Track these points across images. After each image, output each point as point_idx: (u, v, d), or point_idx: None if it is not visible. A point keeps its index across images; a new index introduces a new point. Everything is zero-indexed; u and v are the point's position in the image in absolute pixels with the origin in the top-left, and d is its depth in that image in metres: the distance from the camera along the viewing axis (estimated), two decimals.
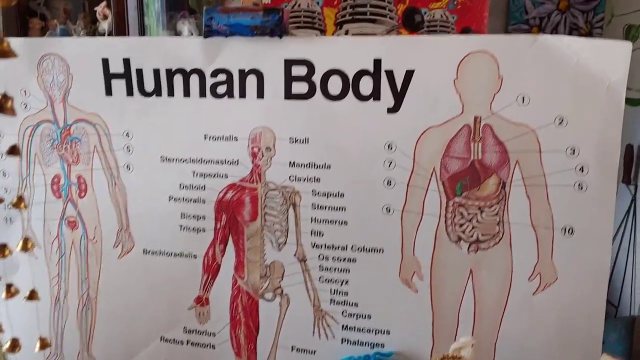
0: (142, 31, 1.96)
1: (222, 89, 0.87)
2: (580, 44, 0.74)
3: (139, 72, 0.89)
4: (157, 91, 0.89)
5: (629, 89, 2.14)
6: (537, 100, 0.76)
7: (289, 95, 0.85)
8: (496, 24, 2.40)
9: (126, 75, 0.89)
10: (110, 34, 2.03)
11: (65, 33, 2.09)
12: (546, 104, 0.76)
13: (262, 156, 0.87)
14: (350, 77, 0.82)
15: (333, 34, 1.86)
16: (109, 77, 0.90)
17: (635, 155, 2.40)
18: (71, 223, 0.99)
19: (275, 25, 0.81)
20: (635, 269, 2.48)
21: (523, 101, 0.77)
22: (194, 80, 0.87)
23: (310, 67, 0.83)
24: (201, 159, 0.90)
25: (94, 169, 0.95)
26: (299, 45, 0.84)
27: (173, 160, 0.91)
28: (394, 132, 0.82)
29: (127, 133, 0.93)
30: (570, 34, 2.42)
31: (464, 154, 0.81)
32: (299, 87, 0.84)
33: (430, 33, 1.89)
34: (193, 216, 0.92)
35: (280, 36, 0.83)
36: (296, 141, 0.86)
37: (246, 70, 0.85)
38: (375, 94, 0.82)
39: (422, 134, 0.81)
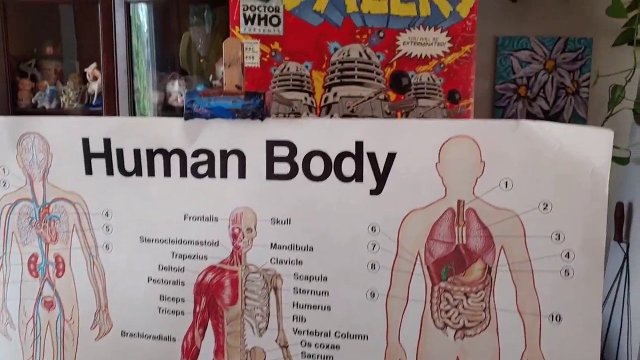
0: (132, 92, 1.97)
1: (203, 169, 0.86)
2: (561, 131, 0.74)
3: (120, 152, 0.88)
4: (138, 171, 0.88)
5: (616, 148, 2.15)
6: (521, 185, 0.76)
7: (270, 175, 0.84)
8: (484, 84, 2.44)
9: (106, 154, 0.89)
10: (99, 95, 2.05)
11: (55, 94, 2.10)
12: (530, 189, 0.76)
13: (243, 237, 0.85)
14: (333, 159, 0.82)
15: (322, 97, 1.88)
16: (89, 156, 0.89)
17: (626, 213, 2.39)
18: (48, 303, 0.96)
19: (256, 109, 0.80)
20: (631, 327, 2.43)
21: (506, 186, 0.76)
22: (175, 160, 0.86)
23: (292, 148, 0.83)
24: (181, 240, 0.89)
25: (72, 248, 0.93)
26: (281, 127, 0.83)
27: (152, 240, 0.90)
28: (377, 214, 0.81)
29: (107, 212, 0.91)
30: (557, 92, 2.46)
31: (449, 238, 0.79)
32: (281, 168, 0.84)
33: (418, 96, 1.91)
34: (172, 298, 0.90)
35: (262, 119, 0.82)
36: (278, 222, 0.84)
37: (228, 151, 0.85)
38: (358, 176, 0.81)
39: (405, 216, 0.80)
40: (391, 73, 1.89)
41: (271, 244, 0.85)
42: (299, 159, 0.82)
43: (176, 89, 2.06)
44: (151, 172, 0.87)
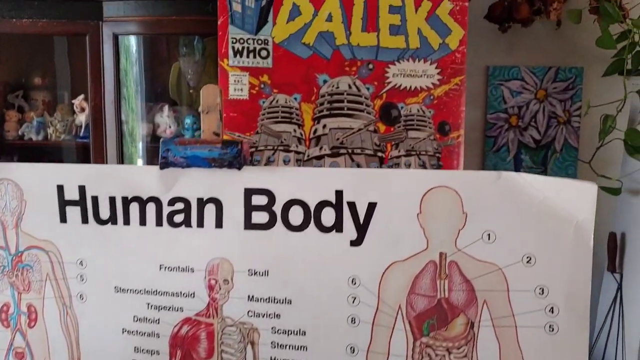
0: (120, 124, 1.96)
1: (179, 218, 0.84)
2: (544, 183, 0.72)
3: (95, 200, 0.86)
4: (113, 219, 0.86)
5: (608, 179, 2.14)
6: (504, 237, 0.74)
7: (248, 225, 0.82)
8: (475, 114, 2.43)
9: (81, 202, 0.87)
10: (87, 127, 2.03)
11: (42, 125, 2.09)
12: (513, 242, 0.74)
13: (220, 289, 0.83)
14: (312, 208, 0.80)
15: (311, 129, 1.87)
16: (63, 203, 0.88)
17: (619, 243, 2.37)
18: (19, 354, 0.93)
19: (233, 158, 0.79)
20: (625, 358, 2.39)
21: (489, 238, 0.75)
22: (151, 208, 0.85)
23: (271, 197, 0.81)
24: (156, 291, 0.86)
25: (45, 297, 0.91)
26: (259, 175, 0.82)
27: (127, 290, 0.87)
28: (358, 266, 0.79)
29: (81, 261, 0.89)
30: (548, 122, 2.45)
31: (430, 291, 0.77)
32: (259, 217, 0.82)
33: (407, 127, 1.90)
34: (147, 351, 0.87)
35: (239, 168, 0.80)
36: (255, 274, 0.82)
37: (205, 199, 0.83)
38: (338, 226, 0.79)
39: (386, 269, 0.78)
40: (381, 105, 1.88)
41: (248, 296, 0.83)
42: (277, 208, 0.80)
43: (165, 120, 2.04)
44: (126, 221, 0.85)
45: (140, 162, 2.13)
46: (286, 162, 1.83)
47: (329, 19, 1.79)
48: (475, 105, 2.41)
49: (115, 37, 1.89)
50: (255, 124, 1.79)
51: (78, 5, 1.86)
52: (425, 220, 0.76)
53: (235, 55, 1.78)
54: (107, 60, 1.90)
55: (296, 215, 0.80)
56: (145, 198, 0.84)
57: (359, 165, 1.84)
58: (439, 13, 1.84)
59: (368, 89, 1.85)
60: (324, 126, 1.84)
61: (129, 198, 0.84)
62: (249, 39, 1.77)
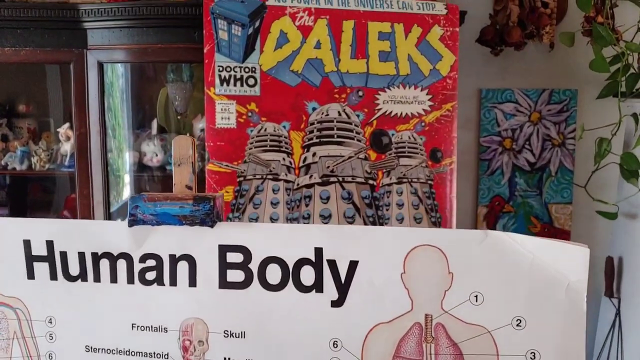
0: (105, 153, 1.92)
1: (151, 275, 0.79)
2: (534, 243, 0.68)
3: (63, 255, 0.82)
4: (83, 276, 0.82)
5: (604, 203, 2.10)
6: (492, 299, 0.70)
7: (223, 284, 0.77)
8: (468, 137, 2.40)
9: (49, 258, 0.82)
10: (72, 156, 1.99)
11: (26, 154, 2.04)
12: (502, 304, 0.70)
13: (194, 350, 0.79)
14: (290, 266, 0.76)
15: (300, 157, 1.83)
16: (30, 259, 0.83)
17: (616, 268, 2.33)
18: None
19: (205, 215, 0.74)
20: None
21: (477, 300, 0.70)
22: (121, 265, 0.80)
23: (247, 254, 0.77)
24: (129, 350, 0.82)
25: (13, 357, 0.86)
26: (234, 231, 0.77)
27: (99, 350, 0.83)
28: (339, 328, 0.74)
29: (51, 319, 0.84)
30: (543, 144, 2.42)
31: (416, 355, 0.73)
32: (235, 275, 0.77)
33: (399, 154, 1.86)
34: None
35: (212, 225, 0.76)
36: (231, 335, 0.77)
37: (177, 256, 0.78)
38: (318, 285, 0.75)
39: (369, 331, 0.74)
40: (371, 132, 1.85)
41: (224, 359, 0.78)
42: (254, 266, 0.76)
43: (151, 148, 2.00)
44: (97, 278, 0.81)
45: (127, 191, 2.09)
46: (275, 191, 1.79)
47: (318, 46, 1.76)
48: (468, 129, 2.38)
49: (100, 65, 1.86)
50: (243, 153, 1.75)
51: (62, 33, 1.83)
52: (409, 281, 0.72)
53: (222, 84, 1.75)
54: (91, 88, 1.87)
55: (274, 273, 0.76)
56: (115, 254, 0.80)
57: (349, 193, 1.80)
58: (429, 39, 1.81)
59: (358, 116, 1.82)
60: (314, 154, 1.81)
61: (99, 254, 0.80)
62: (235, 67, 1.74)
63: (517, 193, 2.42)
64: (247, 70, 1.76)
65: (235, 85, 1.75)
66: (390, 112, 1.84)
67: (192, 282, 0.78)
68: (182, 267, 0.78)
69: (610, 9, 2.03)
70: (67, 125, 1.97)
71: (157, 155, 1.98)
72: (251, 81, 1.76)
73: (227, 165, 1.76)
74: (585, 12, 2.01)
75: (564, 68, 2.35)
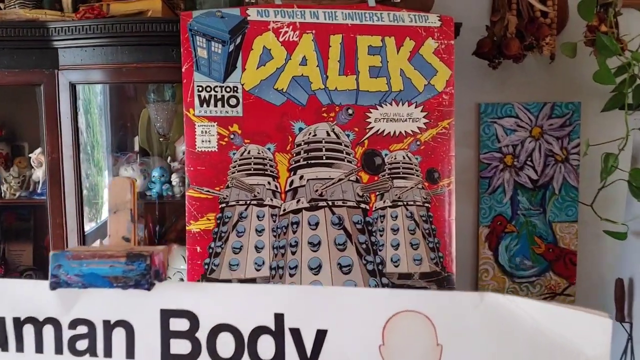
0: (79, 180, 1.80)
1: (82, 345, 0.67)
2: (541, 309, 0.56)
3: None
4: (3, 345, 0.69)
5: (613, 222, 1.96)
6: None
7: (166, 356, 0.65)
8: (467, 154, 2.27)
9: None
10: (44, 183, 1.87)
11: None
12: None
13: None
14: (246, 336, 0.63)
15: (287, 180, 1.71)
16: None
17: (627, 290, 2.19)
18: None
19: (141, 275, 0.62)
20: None
21: None
22: (48, 332, 0.68)
23: (194, 321, 0.64)
24: None
25: None
26: (178, 293, 0.65)
27: None
28: None
29: None
30: (545, 160, 2.30)
31: None
32: (180, 346, 0.65)
33: (393, 176, 1.74)
34: None
35: (149, 288, 0.63)
36: None
37: (112, 322, 0.66)
38: (278, 359, 0.62)
39: None
40: (363, 152, 1.74)
41: None
42: (202, 335, 0.63)
43: (129, 173, 1.88)
44: (20, 347, 0.68)
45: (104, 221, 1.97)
46: (260, 217, 1.67)
47: (304, 62, 1.65)
48: (468, 145, 2.26)
49: (73, 86, 1.75)
50: (225, 177, 1.64)
51: (32, 53, 1.72)
52: (389, 354, 0.59)
53: (201, 105, 1.64)
54: (63, 110, 1.75)
55: (226, 344, 0.63)
56: (41, 319, 0.67)
57: (340, 218, 1.68)
58: (423, 52, 1.70)
59: (348, 135, 1.70)
60: (301, 177, 1.70)
61: (22, 319, 0.68)
62: (216, 86, 1.63)
63: (519, 212, 2.30)
64: (228, 89, 1.65)
65: (216, 105, 1.64)
66: (383, 131, 1.73)
67: (130, 354, 0.65)
68: (118, 336, 0.65)
69: (614, 17, 1.92)
70: (39, 150, 1.85)
71: (136, 180, 1.86)
72: (233, 101, 1.64)
73: (208, 191, 1.64)
74: (587, 21, 1.90)
75: (566, 80, 2.23)
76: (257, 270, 1.68)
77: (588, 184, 2.25)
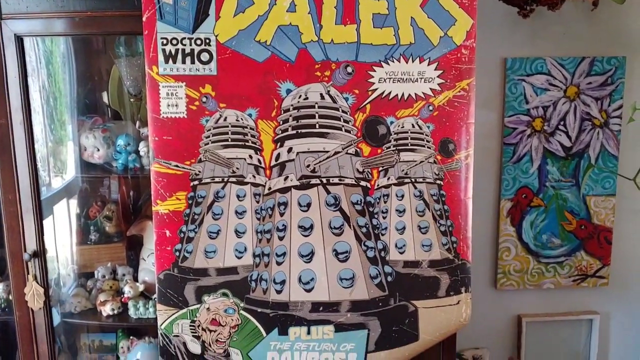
0: (32, 149, 1.55)
1: None
2: None
3: None
4: None
5: None
6: None
7: None
8: (490, 117, 1.97)
9: None
10: None
11: None
12: None
13: None
14: None
15: (272, 154, 1.44)
16: None
17: None
18: None
19: None
20: None
21: None
22: None
23: None
24: None
25: None
26: None
27: None
28: None
29: None
30: (581, 125, 1.99)
31: None
32: None
33: (399, 148, 1.46)
34: None
35: None
36: None
37: None
38: None
39: None
40: (364, 120, 1.45)
41: None
42: None
43: (91, 141, 1.62)
44: None
45: (70, 194, 1.74)
46: (240, 197, 1.42)
47: (292, 8, 1.37)
48: (490, 108, 1.98)
49: (19, 40, 1.48)
50: (197, 149, 1.39)
51: None
52: None
53: (166, 61, 1.37)
54: (10, 68, 1.49)
55: None
56: None
57: (336, 198, 1.42)
58: None
59: (347, 99, 1.43)
60: (290, 150, 1.44)
61: None
62: (184, 38, 1.36)
63: (548, 184, 2.05)
64: (199, 42, 1.38)
65: (184, 62, 1.38)
66: (389, 94, 1.45)
67: None
68: None
69: None
70: None
71: (98, 149, 1.60)
72: (205, 57, 1.38)
73: (177, 166, 1.39)
74: None
75: (610, 31, 1.97)
76: (238, 258, 1.44)
77: (630, 153, 1.97)
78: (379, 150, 1.46)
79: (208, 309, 1.44)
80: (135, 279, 1.73)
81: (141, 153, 1.61)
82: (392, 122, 1.45)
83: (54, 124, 1.69)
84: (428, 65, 1.44)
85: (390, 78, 1.44)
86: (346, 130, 1.45)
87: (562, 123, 2.01)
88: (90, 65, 1.82)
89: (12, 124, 1.52)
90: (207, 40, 1.37)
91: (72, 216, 1.79)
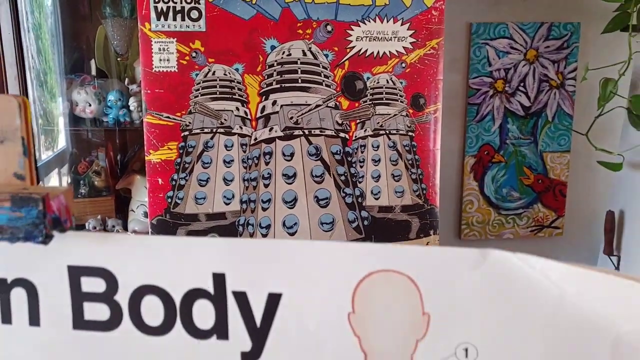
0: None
1: None
2: (564, 273, 0.42)
3: None
4: None
5: (608, 152, 1.84)
6: (492, 355, 0.44)
7: (79, 323, 0.50)
8: (455, 79, 2.11)
9: None
10: None
11: None
12: None
13: None
14: (177, 300, 0.48)
15: (258, 106, 1.54)
16: None
17: (617, 223, 2.10)
18: None
19: (33, 225, 0.46)
20: None
21: (467, 355, 0.44)
22: None
23: (111, 281, 0.49)
24: None
25: None
26: (89, 245, 0.49)
27: None
28: None
29: None
30: (539, 86, 2.14)
31: None
32: (96, 311, 0.50)
33: (375, 102, 1.58)
34: None
35: (45, 242, 0.47)
36: None
37: (9, 281, 0.51)
38: (220, 329, 0.48)
39: None
40: (343, 75, 1.57)
41: None
42: (122, 299, 0.49)
43: (83, 97, 1.69)
44: None
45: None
46: (228, 147, 1.51)
47: None
48: (456, 70, 2.09)
49: None
50: (187, 102, 1.47)
51: None
52: (361, 325, 0.45)
53: (158, 18, 1.44)
54: (4, 24, 1.54)
55: (152, 309, 0.49)
56: None
57: (317, 149, 1.53)
58: None
59: (327, 56, 1.52)
60: (274, 102, 1.53)
61: None
62: None
63: (508, 141, 2.17)
64: (189, 0, 1.44)
65: (175, 19, 1.44)
66: (365, 51, 1.55)
67: (34, 320, 0.51)
68: (18, 298, 0.51)
69: None
70: None
71: (89, 105, 1.68)
72: (194, 14, 1.45)
73: (168, 117, 1.47)
74: None
75: None
76: (227, 204, 1.54)
77: (583, 112, 2.12)
78: (357, 104, 1.58)
79: None
80: (125, 230, 1.82)
81: (131, 108, 1.69)
82: (368, 78, 1.57)
83: (46, 84, 1.75)
84: (401, 25, 1.55)
85: (366, 37, 1.55)
86: (326, 85, 1.55)
87: (522, 84, 2.14)
88: (76, 26, 1.88)
89: (6, 80, 1.58)
90: None
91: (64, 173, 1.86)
